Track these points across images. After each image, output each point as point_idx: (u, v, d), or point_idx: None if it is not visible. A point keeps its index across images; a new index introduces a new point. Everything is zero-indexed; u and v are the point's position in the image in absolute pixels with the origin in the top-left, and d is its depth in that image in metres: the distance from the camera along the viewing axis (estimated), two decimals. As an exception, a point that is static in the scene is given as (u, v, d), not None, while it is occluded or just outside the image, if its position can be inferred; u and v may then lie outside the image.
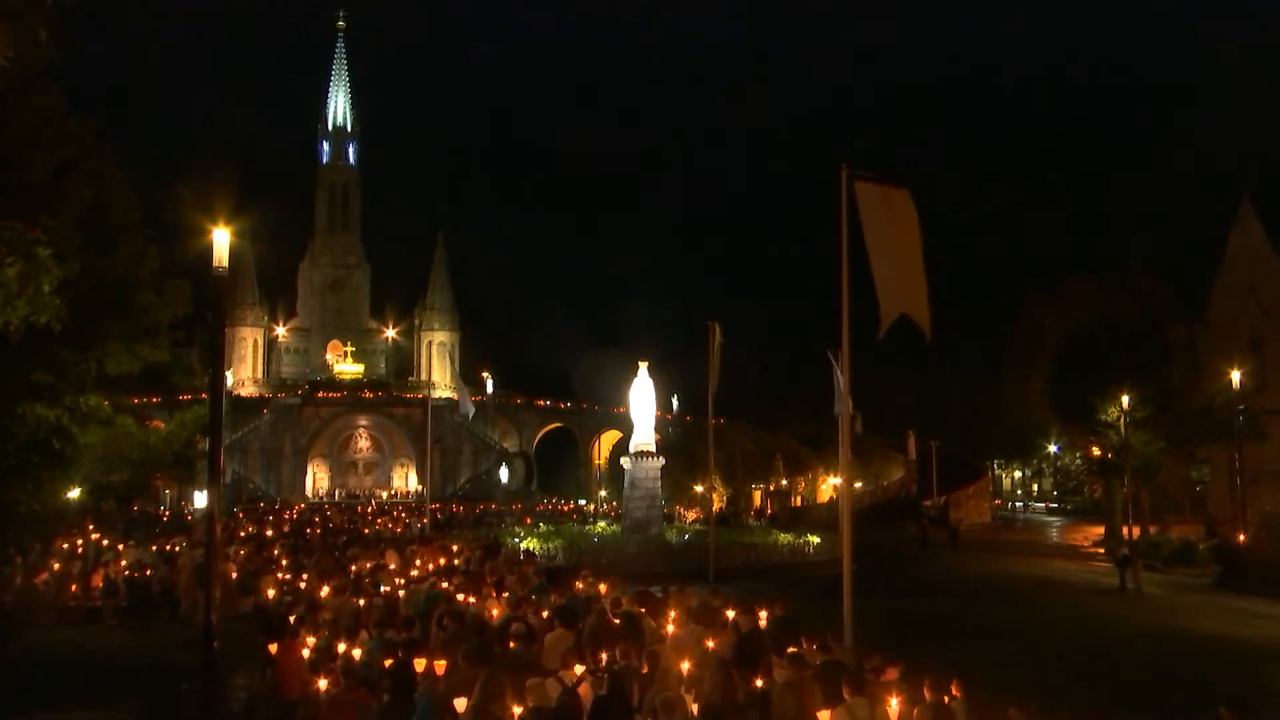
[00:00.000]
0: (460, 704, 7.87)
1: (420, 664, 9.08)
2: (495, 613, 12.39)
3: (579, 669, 8.84)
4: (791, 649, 9.61)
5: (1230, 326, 46.39)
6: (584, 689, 8.50)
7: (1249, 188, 49.71)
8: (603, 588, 14.28)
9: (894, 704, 7.51)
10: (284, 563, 20.86)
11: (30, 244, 10.90)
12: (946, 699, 7.74)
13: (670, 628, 11.21)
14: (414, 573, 17.67)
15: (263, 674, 11.95)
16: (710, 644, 9.88)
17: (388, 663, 9.44)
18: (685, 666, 8.86)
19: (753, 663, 9.19)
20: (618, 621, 11.40)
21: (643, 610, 12.23)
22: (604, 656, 9.44)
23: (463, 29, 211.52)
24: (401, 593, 14.73)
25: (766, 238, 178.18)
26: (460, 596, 13.77)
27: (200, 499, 48.30)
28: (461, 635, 10.01)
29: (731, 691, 8.21)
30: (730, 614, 11.76)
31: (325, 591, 14.95)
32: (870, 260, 11.99)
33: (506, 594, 13.98)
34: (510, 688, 7.74)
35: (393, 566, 18.76)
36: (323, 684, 9.08)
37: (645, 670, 8.88)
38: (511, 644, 10.16)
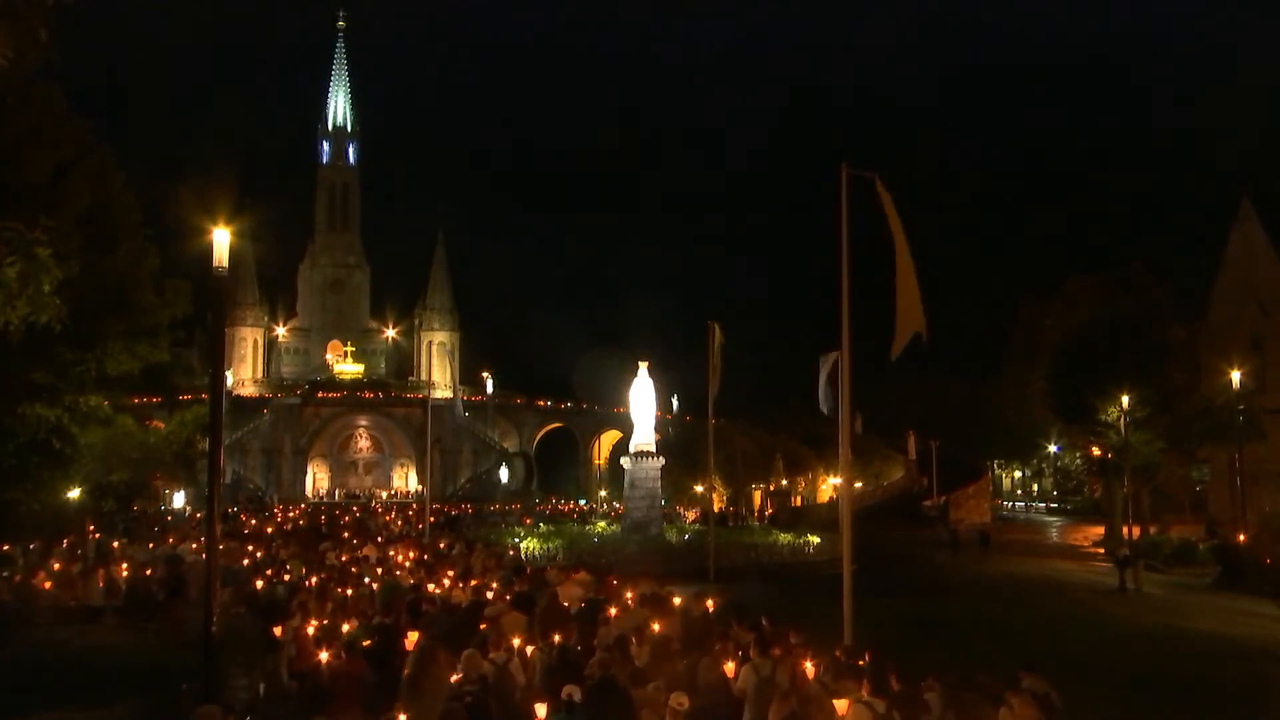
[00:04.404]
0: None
1: (412, 639, 9.97)
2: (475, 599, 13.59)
3: (529, 649, 9.85)
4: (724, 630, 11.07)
5: (1230, 326, 46.31)
6: (514, 663, 9.53)
7: (1249, 188, 49.66)
8: (577, 577, 15.79)
9: (807, 666, 8.88)
10: (259, 556, 21.79)
11: (30, 244, 10.92)
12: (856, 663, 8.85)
13: (613, 610, 12.42)
14: (399, 565, 19.21)
15: (263, 657, 12.19)
16: (655, 626, 11.16)
17: (366, 643, 10.46)
18: (619, 636, 9.96)
19: (697, 642, 10.41)
20: (567, 605, 12.92)
21: (597, 596, 13.74)
22: (556, 637, 10.41)
23: (462, 29, 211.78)
24: (376, 585, 15.60)
25: (767, 237, 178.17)
26: (431, 587, 15.11)
27: (178, 499, 48.34)
28: (435, 618, 11.02)
29: (670, 662, 9.27)
30: (677, 601, 13.49)
31: (313, 581, 16.09)
32: (897, 276, 12.01)
33: (475, 582, 15.61)
34: (444, 659, 8.50)
35: (372, 559, 20.05)
36: (324, 657, 9.73)
37: (583, 643, 10.21)
38: (483, 625, 10.93)
